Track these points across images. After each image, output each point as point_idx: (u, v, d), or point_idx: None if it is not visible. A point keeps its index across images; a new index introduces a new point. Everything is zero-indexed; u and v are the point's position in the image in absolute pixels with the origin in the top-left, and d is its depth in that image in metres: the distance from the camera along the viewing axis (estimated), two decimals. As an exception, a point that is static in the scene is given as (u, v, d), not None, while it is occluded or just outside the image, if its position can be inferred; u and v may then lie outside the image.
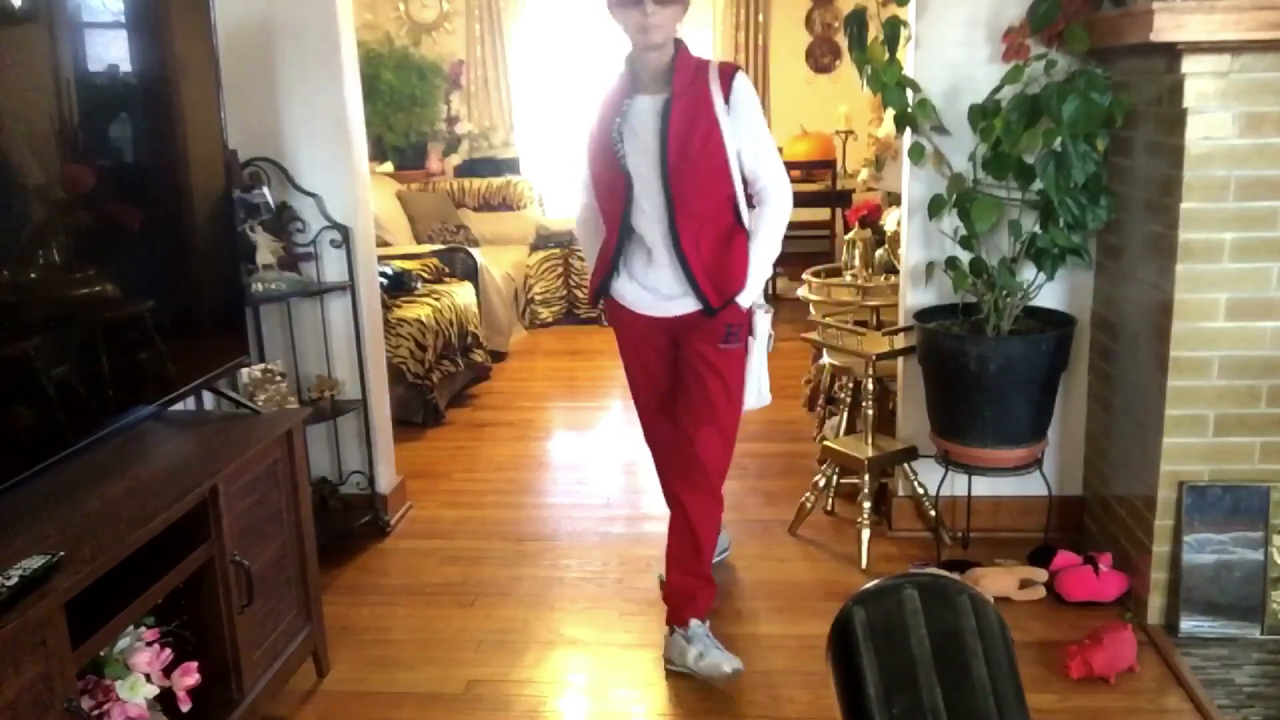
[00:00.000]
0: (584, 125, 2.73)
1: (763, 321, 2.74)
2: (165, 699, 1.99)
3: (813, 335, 3.62)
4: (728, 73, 2.58)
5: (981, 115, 2.89)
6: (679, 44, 2.58)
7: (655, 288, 2.67)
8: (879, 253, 4.04)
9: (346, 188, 3.37)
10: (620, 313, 2.78)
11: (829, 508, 3.57)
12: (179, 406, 2.53)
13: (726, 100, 2.55)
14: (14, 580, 1.58)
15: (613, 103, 2.61)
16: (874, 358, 3.24)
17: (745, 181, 2.63)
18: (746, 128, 2.58)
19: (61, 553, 1.69)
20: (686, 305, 2.66)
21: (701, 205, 2.58)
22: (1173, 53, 2.47)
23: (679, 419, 2.74)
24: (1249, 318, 2.60)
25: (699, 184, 2.56)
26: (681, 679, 2.61)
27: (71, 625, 1.67)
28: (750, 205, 2.67)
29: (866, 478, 3.22)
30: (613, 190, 2.64)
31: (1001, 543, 3.24)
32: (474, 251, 5.92)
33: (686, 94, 2.54)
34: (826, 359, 3.89)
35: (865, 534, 3.19)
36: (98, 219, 2.14)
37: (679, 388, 2.76)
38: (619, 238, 2.67)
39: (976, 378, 2.88)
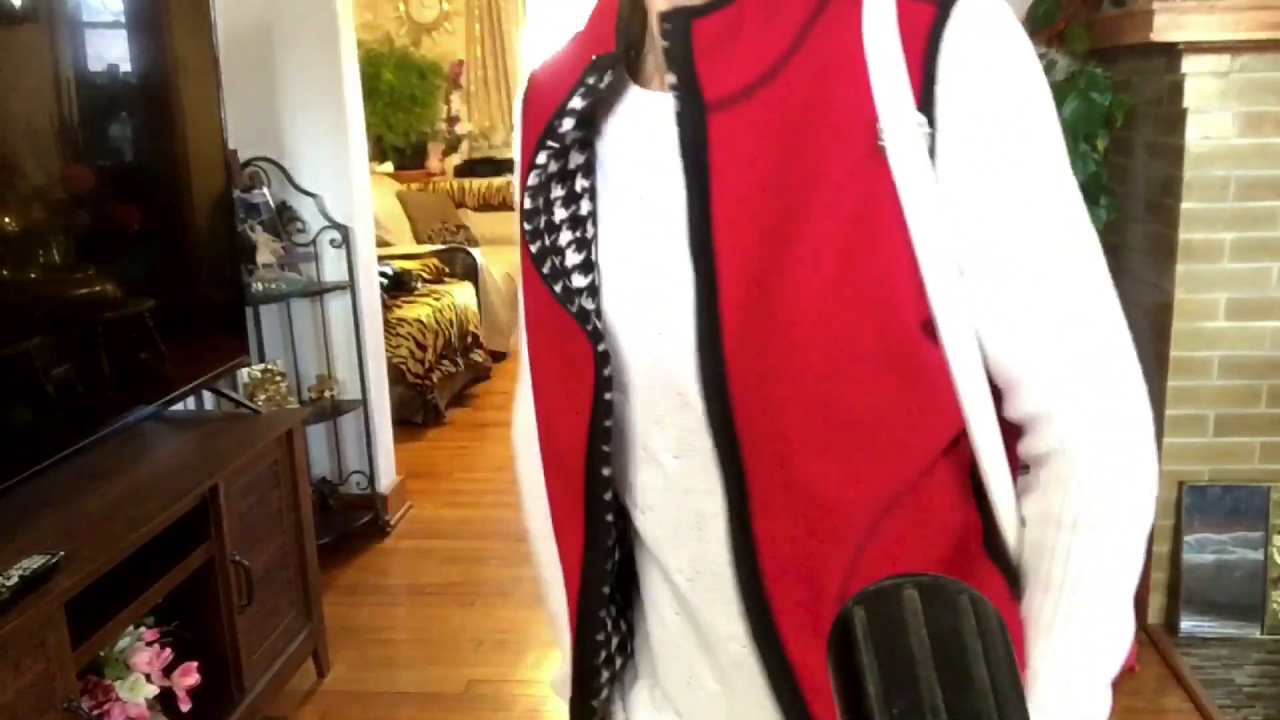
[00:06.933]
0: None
1: None
2: (165, 699, 1.98)
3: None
4: (920, 18, 0.65)
5: (981, 115, 2.88)
6: None
7: None
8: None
9: (346, 188, 3.37)
10: None
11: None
12: (179, 406, 2.53)
13: (926, 96, 0.65)
14: (14, 580, 1.58)
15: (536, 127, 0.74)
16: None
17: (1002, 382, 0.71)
18: (998, 200, 0.67)
19: (61, 553, 1.68)
20: None
21: (847, 483, 0.69)
22: (1173, 53, 2.47)
23: None
24: (1249, 318, 2.60)
25: (831, 404, 0.67)
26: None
27: (71, 625, 1.67)
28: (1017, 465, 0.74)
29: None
30: (563, 391, 0.76)
31: (1001, 543, 3.23)
32: (474, 251, 5.92)
33: (770, 87, 0.67)
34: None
35: (865, 534, 3.19)
36: (98, 219, 2.14)
37: None
38: (594, 558, 0.79)
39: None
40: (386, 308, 4.45)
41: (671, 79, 0.69)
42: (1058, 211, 0.68)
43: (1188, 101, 2.49)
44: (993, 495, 0.72)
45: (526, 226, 0.74)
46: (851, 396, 0.66)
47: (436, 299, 5.00)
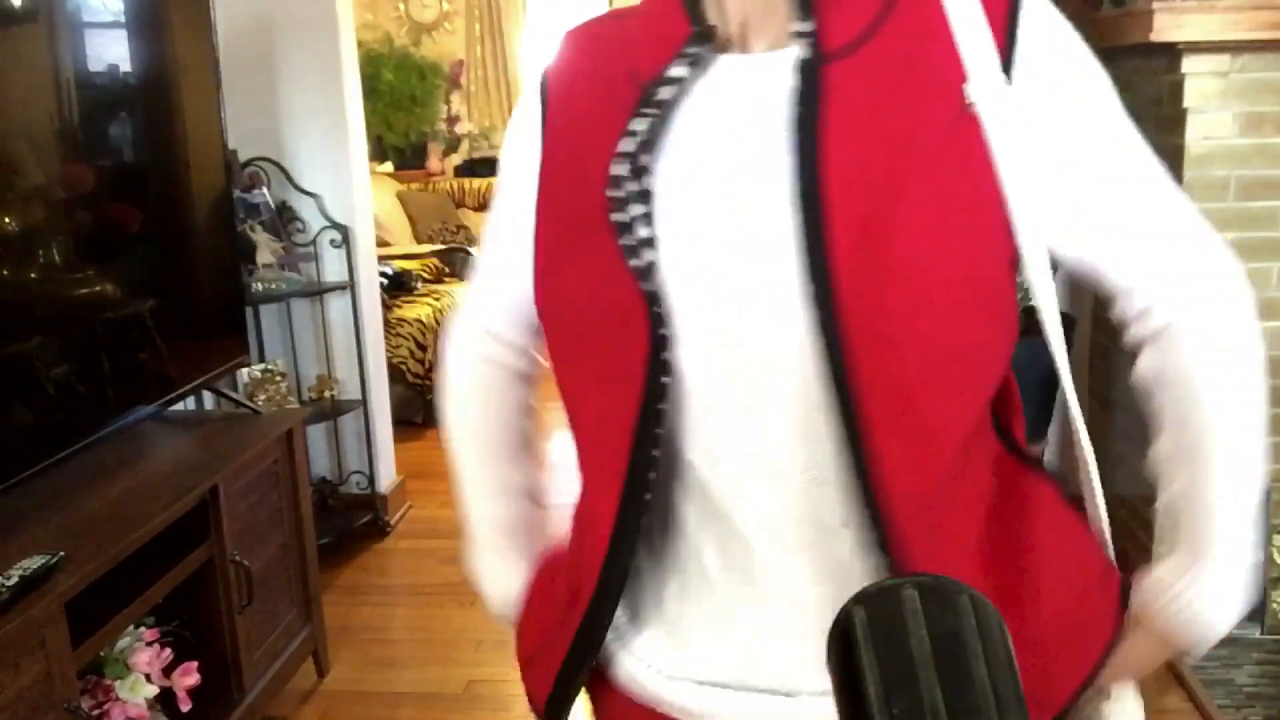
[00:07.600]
0: (509, 157, 0.91)
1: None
2: (165, 699, 1.99)
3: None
4: None
5: (981, 115, 2.88)
6: None
7: (761, 658, 0.82)
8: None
9: (346, 188, 3.37)
10: None
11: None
12: (179, 406, 2.53)
13: (1007, 58, 0.74)
14: (14, 580, 1.58)
15: (612, 90, 0.79)
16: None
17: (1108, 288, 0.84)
18: (1082, 136, 0.78)
19: (61, 553, 1.68)
20: None
21: (956, 408, 0.76)
22: (1173, 53, 2.47)
23: None
24: (1249, 318, 2.60)
25: (945, 336, 0.74)
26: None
27: (71, 625, 1.67)
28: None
29: (866, 478, 3.21)
30: (599, 360, 0.80)
31: (1001, 543, 3.23)
32: (474, 251, 5.92)
33: (873, 44, 0.74)
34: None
35: (865, 534, 3.19)
36: (98, 219, 2.14)
37: None
38: (631, 515, 0.79)
39: (976, 378, 2.88)
40: (386, 308, 4.45)
41: (796, 27, 0.74)
42: (1142, 146, 0.81)
43: (1188, 101, 2.49)
44: (1071, 409, 0.88)
45: (617, 194, 0.75)
46: (961, 330, 0.74)
47: (436, 299, 5.00)
